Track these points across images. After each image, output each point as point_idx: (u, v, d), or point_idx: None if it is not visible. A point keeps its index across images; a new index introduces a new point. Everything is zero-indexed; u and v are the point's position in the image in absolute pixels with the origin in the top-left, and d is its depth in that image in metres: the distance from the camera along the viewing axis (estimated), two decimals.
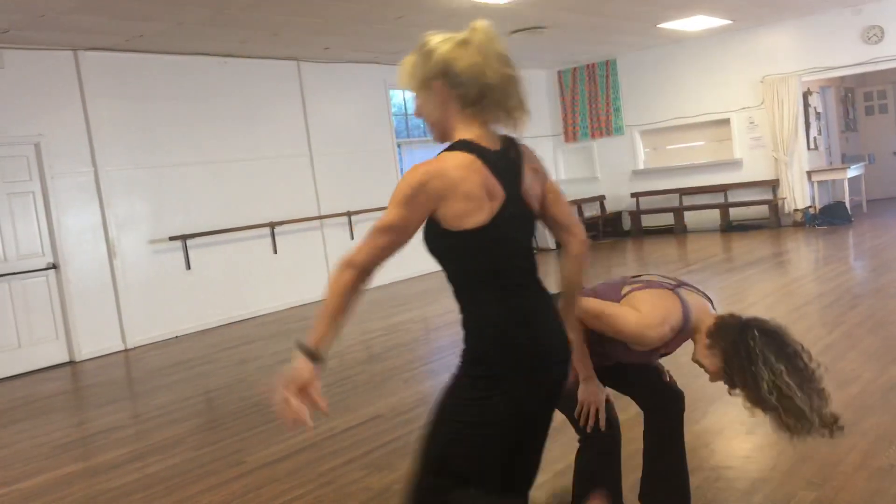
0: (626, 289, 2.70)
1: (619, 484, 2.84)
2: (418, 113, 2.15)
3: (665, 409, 2.95)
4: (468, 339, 2.10)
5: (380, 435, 4.64)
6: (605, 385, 2.87)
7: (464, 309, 2.11)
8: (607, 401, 2.75)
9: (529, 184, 2.12)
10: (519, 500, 2.24)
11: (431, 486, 2.11)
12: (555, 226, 2.28)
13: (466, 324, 2.10)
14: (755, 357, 2.46)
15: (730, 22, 11.83)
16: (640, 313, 2.57)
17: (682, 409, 2.98)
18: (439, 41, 2.07)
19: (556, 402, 2.27)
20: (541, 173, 2.18)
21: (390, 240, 2.01)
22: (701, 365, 2.68)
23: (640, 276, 2.85)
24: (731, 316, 2.66)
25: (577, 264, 2.34)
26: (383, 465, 4.12)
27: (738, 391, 2.58)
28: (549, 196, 2.21)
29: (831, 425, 2.45)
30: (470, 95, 2.02)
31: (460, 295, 2.11)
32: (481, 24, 2.08)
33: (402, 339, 7.44)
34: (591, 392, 2.70)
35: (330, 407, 5.35)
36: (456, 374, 2.15)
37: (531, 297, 2.14)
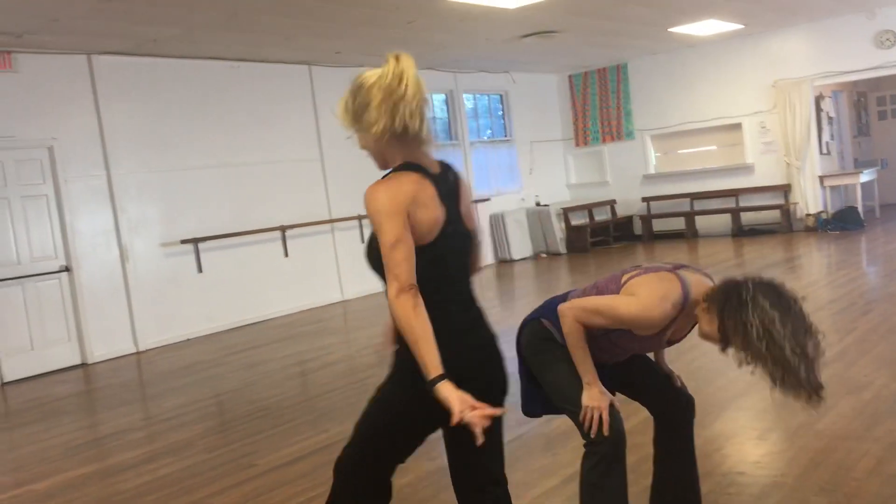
0: (624, 278, 2.71)
1: (624, 491, 2.82)
2: (362, 146, 2.31)
3: (675, 415, 2.93)
4: (403, 345, 2.21)
5: None
6: (614, 391, 2.86)
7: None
8: (612, 407, 2.73)
9: (465, 205, 2.33)
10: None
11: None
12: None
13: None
14: (746, 303, 2.47)
15: (742, 26, 11.81)
16: (639, 297, 2.60)
17: (692, 416, 2.96)
18: (370, 80, 2.22)
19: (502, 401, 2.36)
20: (469, 197, 2.40)
21: (406, 248, 2.12)
22: (706, 337, 2.62)
23: (639, 265, 2.85)
24: (730, 278, 2.64)
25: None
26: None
27: (731, 348, 2.55)
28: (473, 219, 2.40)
29: (816, 388, 2.44)
30: (399, 127, 2.18)
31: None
32: (399, 57, 2.23)
33: None
34: (595, 397, 2.68)
35: (341, 410, 5.38)
36: (395, 371, 2.32)
37: (470, 308, 2.31)
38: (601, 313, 2.63)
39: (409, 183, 2.17)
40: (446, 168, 2.34)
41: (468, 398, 2.07)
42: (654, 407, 2.98)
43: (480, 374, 2.25)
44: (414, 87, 2.19)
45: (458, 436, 2.25)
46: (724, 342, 2.57)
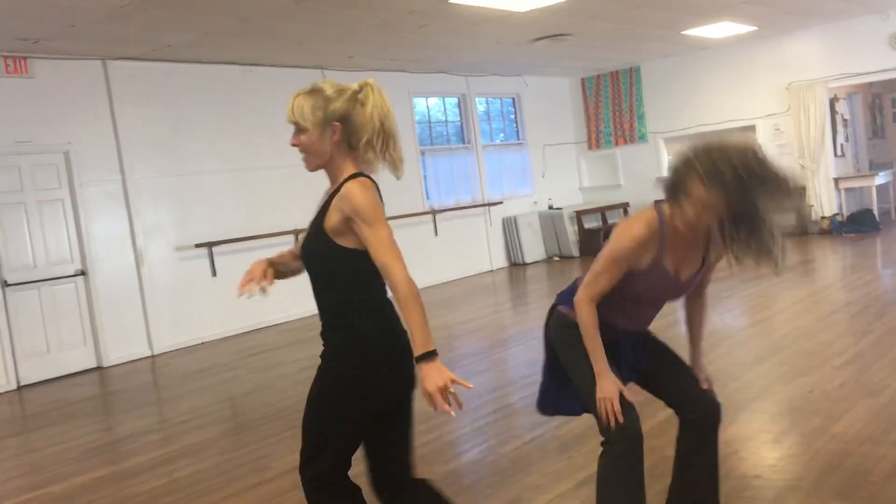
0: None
1: (640, 492, 2.82)
2: (300, 143, 2.53)
3: (700, 420, 2.88)
4: (348, 338, 2.47)
5: None
6: (640, 386, 2.89)
7: (343, 315, 2.50)
8: (629, 406, 2.73)
9: None
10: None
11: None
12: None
13: (346, 327, 2.48)
14: (719, 150, 2.49)
15: (755, 28, 11.76)
16: (616, 231, 2.72)
17: (718, 423, 2.90)
18: (339, 90, 2.46)
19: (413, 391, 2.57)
20: None
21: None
22: (697, 219, 2.54)
23: None
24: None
25: None
26: None
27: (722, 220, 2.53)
28: None
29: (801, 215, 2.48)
30: (358, 140, 2.46)
31: (344, 303, 2.50)
32: (374, 83, 2.49)
33: None
34: (605, 388, 2.69)
35: None
36: (331, 366, 2.52)
37: (392, 307, 2.49)
38: (600, 271, 2.70)
39: (374, 191, 2.47)
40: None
41: (447, 376, 2.34)
42: (678, 407, 2.93)
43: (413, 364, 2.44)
44: (391, 119, 2.50)
45: (387, 433, 2.56)
46: (714, 210, 2.49)
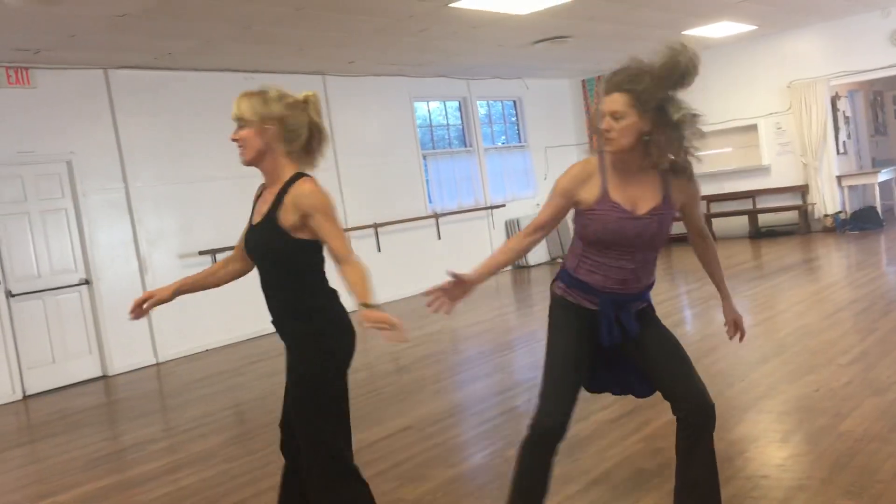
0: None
1: (536, 484, 2.89)
2: (239, 137, 2.87)
3: (686, 417, 2.83)
4: (317, 318, 2.86)
5: (410, 446, 4.64)
6: (632, 366, 2.92)
7: (306, 300, 2.85)
8: (556, 399, 2.80)
9: None
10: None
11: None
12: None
13: (313, 310, 2.86)
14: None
15: (755, 27, 11.76)
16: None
17: (707, 421, 2.83)
18: (280, 95, 2.81)
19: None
20: None
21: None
22: (626, 132, 2.67)
23: None
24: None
25: None
26: (415, 476, 4.13)
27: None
28: None
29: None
30: (293, 142, 2.82)
31: (307, 288, 2.86)
32: (316, 98, 2.87)
33: (431, 350, 7.45)
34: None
35: (361, 419, 5.37)
36: (306, 352, 2.90)
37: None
38: (543, 207, 2.91)
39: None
40: None
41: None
42: (671, 402, 2.88)
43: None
44: (324, 130, 2.90)
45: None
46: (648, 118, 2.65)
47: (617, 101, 2.66)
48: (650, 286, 2.94)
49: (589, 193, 2.76)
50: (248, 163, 2.89)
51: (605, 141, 2.69)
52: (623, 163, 2.73)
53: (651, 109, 2.63)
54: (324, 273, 2.87)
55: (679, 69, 2.68)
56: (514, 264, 13.33)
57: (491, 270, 2.87)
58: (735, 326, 3.04)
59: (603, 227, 2.73)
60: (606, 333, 2.81)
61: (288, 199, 2.77)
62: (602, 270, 2.79)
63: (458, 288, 2.71)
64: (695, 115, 2.72)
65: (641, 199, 2.74)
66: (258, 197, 3.03)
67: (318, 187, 2.80)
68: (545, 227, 2.89)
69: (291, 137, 2.81)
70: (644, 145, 2.67)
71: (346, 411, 2.88)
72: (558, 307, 2.88)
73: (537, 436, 2.79)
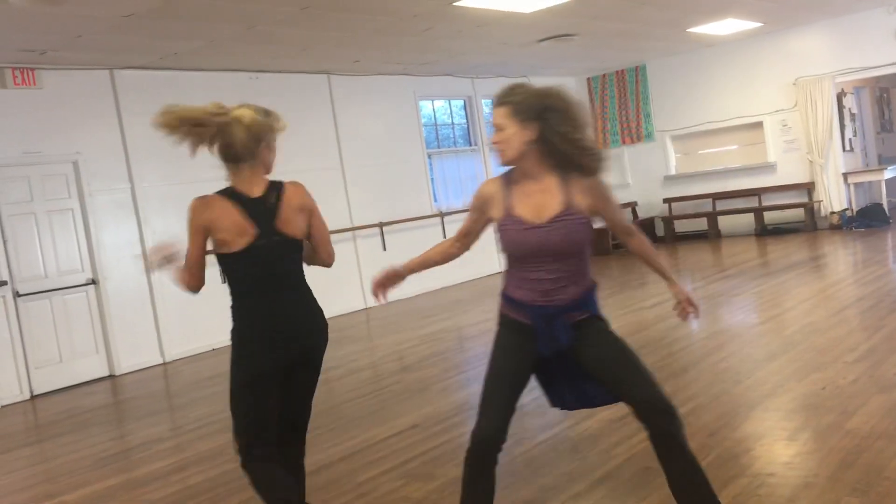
0: None
1: (479, 494, 2.88)
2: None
3: (646, 421, 2.79)
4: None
5: (417, 444, 4.65)
6: (589, 377, 2.90)
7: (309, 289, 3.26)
8: (493, 408, 2.88)
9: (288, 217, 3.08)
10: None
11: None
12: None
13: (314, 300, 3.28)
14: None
15: (760, 25, 11.73)
16: None
17: (666, 425, 2.76)
18: (219, 112, 3.08)
19: (307, 372, 3.29)
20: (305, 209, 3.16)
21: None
22: (509, 142, 2.78)
23: None
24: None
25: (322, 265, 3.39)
26: (421, 475, 4.13)
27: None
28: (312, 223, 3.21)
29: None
30: (230, 157, 3.14)
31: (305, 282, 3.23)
32: (248, 112, 3.08)
33: (437, 349, 7.45)
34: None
35: (367, 418, 5.38)
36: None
37: (272, 297, 3.14)
38: (466, 217, 3.08)
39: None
40: (271, 188, 3.15)
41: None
42: (630, 408, 2.85)
43: (276, 346, 3.10)
44: (255, 131, 3.11)
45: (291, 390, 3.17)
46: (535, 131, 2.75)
47: (498, 114, 2.79)
48: (585, 295, 2.91)
49: (496, 210, 2.88)
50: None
51: (497, 154, 2.84)
52: (524, 174, 2.83)
53: (531, 118, 2.73)
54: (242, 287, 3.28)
55: (553, 90, 2.81)
56: None
57: (422, 266, 3.13)
58: (688, 303, 3.02)
59: (509, 240, 2.85)
60: (542, 345, 2.86)
61: (298, 201, 3.14)
62: (525, 285, 2.86)
63: (392, 278, 3.09)
64: (578, 119, 2.77)
65: (544, 207, 2.80)
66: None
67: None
68: (468, 235, 3.08)
69: (226, 150, 3.21)
70: (538, 153, 2.77)
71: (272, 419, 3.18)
72: (500, 324, 2.98)
73: (474, 446, 2.85)
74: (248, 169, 3.09)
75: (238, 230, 3.00)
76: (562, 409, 3.11)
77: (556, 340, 2.84)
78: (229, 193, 3.09)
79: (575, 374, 2.92)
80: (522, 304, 2.86)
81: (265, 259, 3.04)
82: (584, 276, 2.91)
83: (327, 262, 3.33)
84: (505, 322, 2.95)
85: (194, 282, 3.23)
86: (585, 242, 2.89)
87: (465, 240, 3.10)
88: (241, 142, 3.04)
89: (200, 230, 3.08)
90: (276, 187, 3.13)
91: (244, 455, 3.12)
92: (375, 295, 3.14)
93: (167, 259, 3.33)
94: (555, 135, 2.71)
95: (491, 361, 2.92)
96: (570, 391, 2.98)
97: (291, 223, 3.07)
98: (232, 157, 3.09)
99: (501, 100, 2.78)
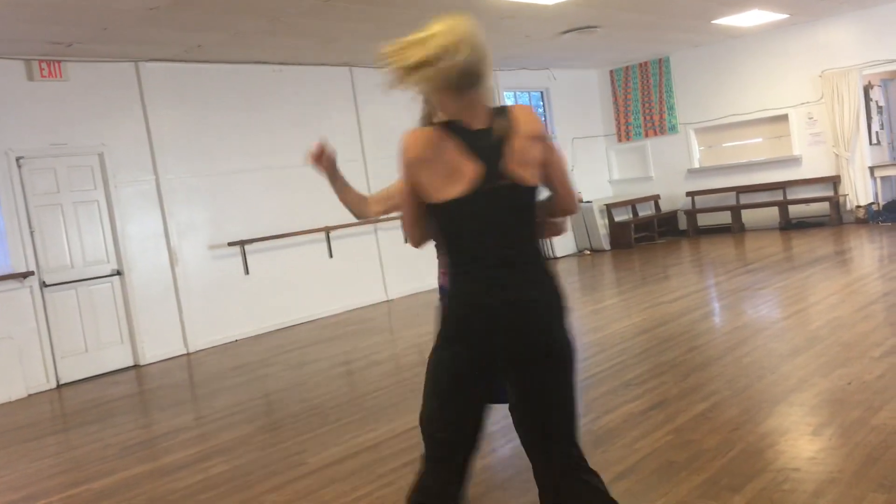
0: None
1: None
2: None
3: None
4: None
5: None
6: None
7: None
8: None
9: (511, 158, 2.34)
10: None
11: None
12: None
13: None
14: None
15: (787, 16, 11.60)
16: None
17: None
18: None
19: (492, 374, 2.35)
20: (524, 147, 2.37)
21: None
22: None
23: None
24: None
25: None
26: None
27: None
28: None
29: None
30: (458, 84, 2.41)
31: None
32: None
33: None
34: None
35: (389, 409, 5.39)
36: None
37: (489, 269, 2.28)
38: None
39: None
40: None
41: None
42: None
43: (470, 336, 2.27)
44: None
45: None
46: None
47: None
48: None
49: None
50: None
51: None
52: None
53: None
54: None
55: None
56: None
57: (347, 197, 3.46)
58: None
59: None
60: None
61: None
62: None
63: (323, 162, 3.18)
64: None
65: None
66: None
67: None
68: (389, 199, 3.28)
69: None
70: None
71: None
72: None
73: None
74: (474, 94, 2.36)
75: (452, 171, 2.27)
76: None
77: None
78: (447, 126, 2.35)
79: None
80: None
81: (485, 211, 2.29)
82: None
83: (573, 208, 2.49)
84: None
85: (414, 240, 2.53)
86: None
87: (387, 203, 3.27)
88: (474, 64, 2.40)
89: (411, 175, 2.33)
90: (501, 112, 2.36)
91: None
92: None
93: (325, 164, 3.25)
94: None
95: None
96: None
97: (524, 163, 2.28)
98: (463, 83, 2.36)
99: None
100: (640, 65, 14.38)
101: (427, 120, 2.49)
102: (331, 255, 10.31)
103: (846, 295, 7.29)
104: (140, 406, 6.96)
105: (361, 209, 3.28)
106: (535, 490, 2.47)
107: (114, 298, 8.45)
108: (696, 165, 14.14)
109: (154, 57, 8.64)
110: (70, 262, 8.15)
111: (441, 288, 2.97)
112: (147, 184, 8.77)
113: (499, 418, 4.92)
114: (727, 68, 13.41)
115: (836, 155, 12.51)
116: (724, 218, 13.68)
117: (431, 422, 2.38)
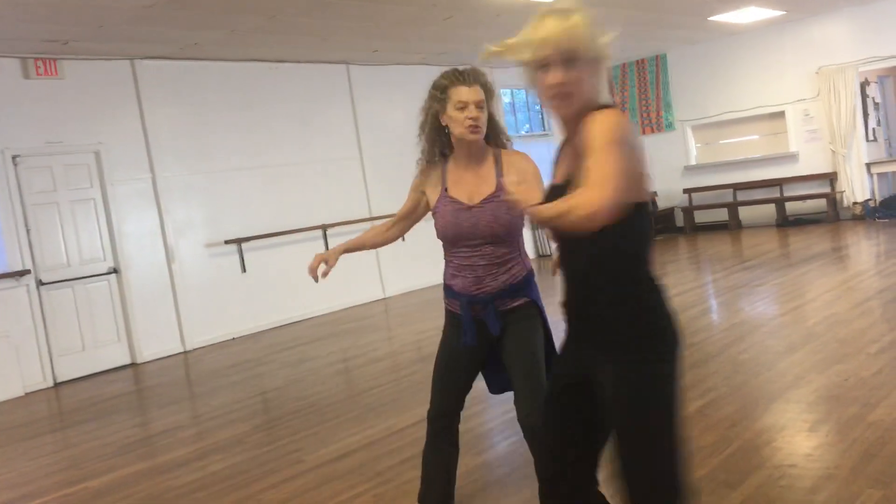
0: None
1: (434, 469, 3.14)
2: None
3: (526, 436, 2.98)
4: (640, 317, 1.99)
5: None
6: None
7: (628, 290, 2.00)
8: (441, 387, 3.12)
9: None
10: None
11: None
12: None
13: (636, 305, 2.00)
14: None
15: (783, 13, 11.60)
16: None
17: (529, 437, 2.93)
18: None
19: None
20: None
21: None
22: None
23: None
24: None
25: None
26: None
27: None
28: None
29: None
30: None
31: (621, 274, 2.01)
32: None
33: None
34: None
35: (387, 407, 5.40)
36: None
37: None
38: (406, 200, 3.16)
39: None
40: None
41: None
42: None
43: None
44: None
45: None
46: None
47: (480, 92, 2.83)
48: (520, 281, 2.91)
49: (433, 191, 2.95)
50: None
51: (473, 129, 2.81)
52: (468, 156, 2.89)
53: (492, 98, 2.88)
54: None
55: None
56: (539, 252, 13.30)
57: (354, 249, 3.20)
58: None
59: (443, 221, 2.89)
60: (468, 339, 2.94)
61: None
62: (461, 272, 2.92)
63: (321, 263, 3.11)
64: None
65: (477, 190, 2.86)
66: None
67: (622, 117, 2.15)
68: (405, 217, 3.14)
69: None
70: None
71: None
72: (446, 315, 3.09)
73: (428, 425, 3.09)
74: None
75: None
76: (493, 393, 3.29)
77: (487, 329, 2.92)
78: None
79: (500, 361, 3.03)
80: (456, 293, 2.96)
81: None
82: (514, 265, 2.92)
83: None
84: (448, 312, 3.06)
85: (619, 197, 1.90)
86: (516, 225, 2.88)
87: (402, 223, 3.15)
88: None
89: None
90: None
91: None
92: (314, 278, 3.13)
93: (331, 266, 3.17)
94: (497, 116, 2.89)
95: (438, 351, 3.10)
96: (496, 376, 3.13)
97: None
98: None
99: (479, 79, 2.87)
100: (637, 62, 14.38)
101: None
102: None
103: (843, 291, 7.30)
104: (137, 404, 6.95)
105: (376, 241, 3.23)
106: (533, 486, 2.47)
107: (110, 296, 8.43)
108: (693, 162, 14.15)
109: (150, 55, 8.62)
110: (66, 260, 8.13)
111: (447, 288, 3.01)
112: (143, 182, 8.76)
113: (496, 415, 4.93)
114: (724, 65, 13.41)
115: (833, 152, 12.52)
116: (721, 215, 13.69)
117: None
